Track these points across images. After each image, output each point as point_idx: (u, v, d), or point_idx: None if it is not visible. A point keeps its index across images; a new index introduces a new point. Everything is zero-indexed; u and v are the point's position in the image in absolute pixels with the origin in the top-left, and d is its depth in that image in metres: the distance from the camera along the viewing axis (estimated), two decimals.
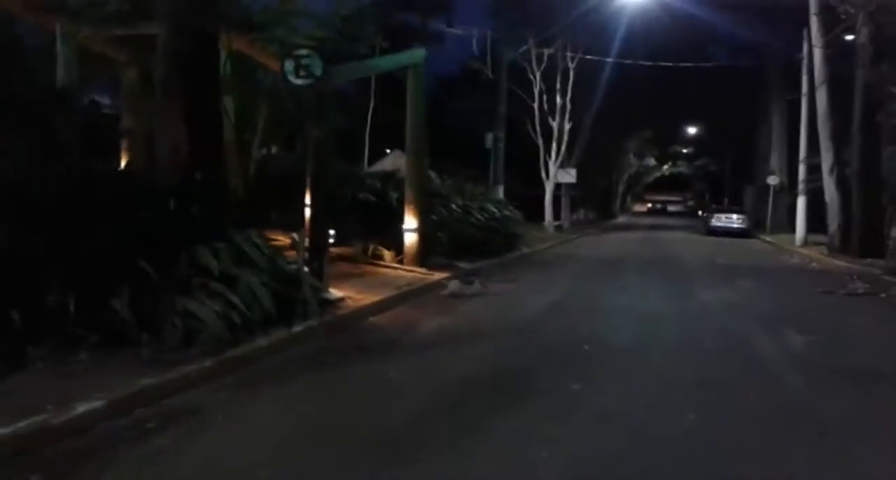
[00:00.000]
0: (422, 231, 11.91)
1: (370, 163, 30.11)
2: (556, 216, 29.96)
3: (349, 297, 8.73)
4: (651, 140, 48.64)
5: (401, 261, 11.96)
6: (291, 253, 8.15)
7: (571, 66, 28.18)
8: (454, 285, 10.79)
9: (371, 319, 8.22)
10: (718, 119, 41.55)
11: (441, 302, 9.70)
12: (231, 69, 11.95)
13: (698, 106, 39.84)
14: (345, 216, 12.83)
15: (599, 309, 9.39)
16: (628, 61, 28.78)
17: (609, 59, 28.50)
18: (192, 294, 5.84)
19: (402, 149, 26.52)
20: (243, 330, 6.06)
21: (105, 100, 16.33)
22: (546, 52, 27.02)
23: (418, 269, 11.68)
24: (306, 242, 8.22)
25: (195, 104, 7.89)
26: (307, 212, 12.45)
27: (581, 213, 41.03)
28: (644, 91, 34.37)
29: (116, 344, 5.55)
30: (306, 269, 8.19)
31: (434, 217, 13.47)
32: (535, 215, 28.47)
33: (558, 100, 28.36)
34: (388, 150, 29.56)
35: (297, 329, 6.79)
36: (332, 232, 10.15)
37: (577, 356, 6.62)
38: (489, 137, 23.51)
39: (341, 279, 10.05)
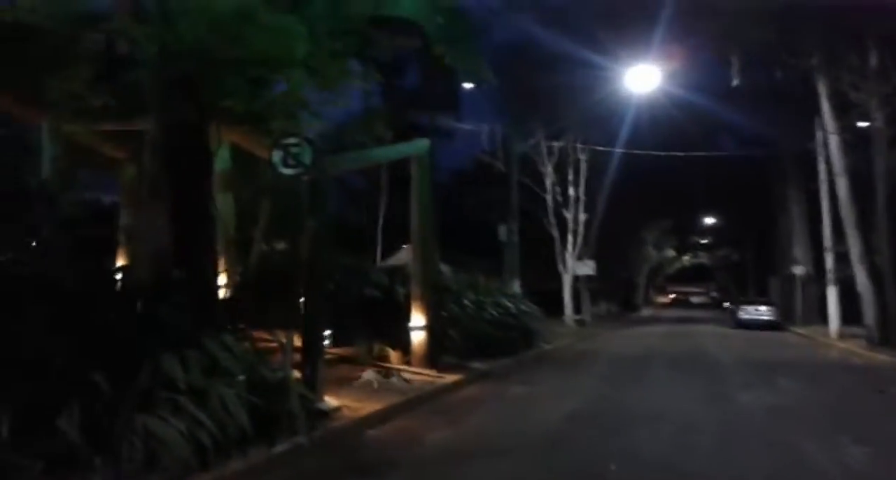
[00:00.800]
0: (430, 328, 11.09)
1: (383, 258, 29.63)
2: (577, 310, 29.00)
3: (347, 406, 7.84)
4: (669, 231, 48.08)
5: (408, 363, 11.07)
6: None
7: (583, 157, 28.03)
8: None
9: (370, 433, 7.30)
10: (736, 208, 41.00)
11: (450, 410, 8.77)
12: (231, 162, 11.58)
13: (714, 195, 39.37)
14: (349, 314, 12.09)
15: (627, 418, 8.39)
16: (639, 152, 28.52)
17: (619, 150, 28.24)
18: (156, 410, 5.04)
19: None
20: (216, 451, 5.21)
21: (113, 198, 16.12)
22: (556, 144, 26.92)
23: (427, 371, 10.78)
24: (296, 343, 7.43)
25: (182, 200, 7.39)
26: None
27: (603, 307, 39.98)
28: (658, 181, 34.00)
29: (65, 470, 4.74)
30: (297, 375, 7.41)
31: (444, 313, 12.67)
32: (554, 309, 27.56)
33: (571, 191, 28.04)
34: (404, 246, 29.44)
35: (280, 448, 5.91)
36: (328, 332, 9.37)
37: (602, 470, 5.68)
38: (502, 230, 22.96)
39: (341, 385, 9.20)
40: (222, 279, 12.66)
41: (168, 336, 5.47)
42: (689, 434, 7.36)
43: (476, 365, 12.22)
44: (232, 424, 5.42)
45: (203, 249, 7.26)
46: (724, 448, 6.82)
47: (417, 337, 11.08)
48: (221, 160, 12.14)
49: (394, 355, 11.21)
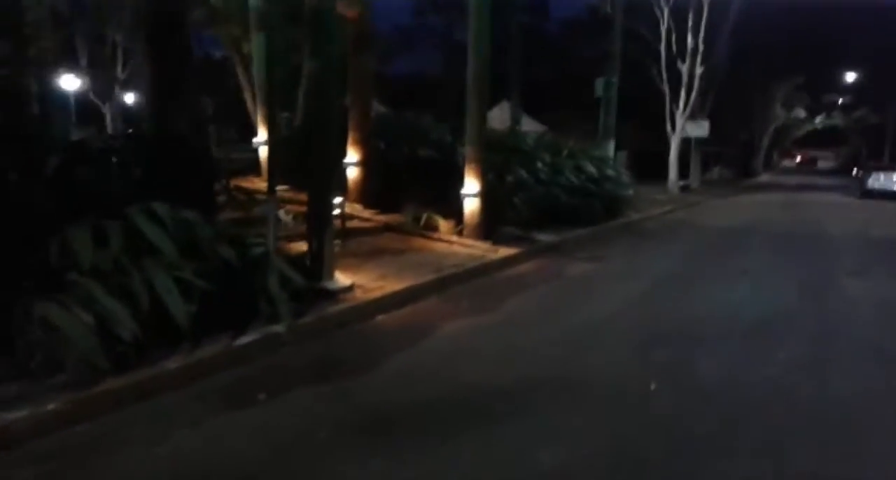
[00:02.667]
0: (485, 195, 9.73)
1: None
2: (685, 175, 26.63)
3: (362, 286, 6.80)
4: (802, 88, 43.07)
5: (460, 233, 9.86)
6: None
7: None
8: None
9: (379, 318, 6.25)
10: (884, 62, 35.79)
11: (490, 292, 7.59)
12: None
13: (860, 47, 34.41)
14: (399, 176, 10.90)
15: (698, 308, 6.95)
16: None
17: None
18: (61, 297, 4.07)
19: (517, 100, 24.42)
20: (142, 347, 4.26)
21: None
22: None
23: (479, 243, 9.56)
24: (282, 213, 6.33)
25: (158, 52, 6.15)
26: (350, 170, 10.65)
27: (715, 172, 36.99)
28: (795, 29, 29.73)
29: None
30: (308, 248, 6.38)
31: (509, 178, 11.25)
32: (659, 174, 25.40)
33: (689, 40, 24.79)
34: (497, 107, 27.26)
35: (245, 339, 4.94)
36: (339, 199, 8.22)
37: (638, 402, 4.38)
38: (599, 83, 20.58)
39: (370, 257, 8.17)
40: (260, 135, 11.69)
41: (83, 203, 4.41)
42: (772, 337, 5.87)
43: (542, 236, 10.87)
44: (171, 313, 4.43)
45: (179, 104, 6.06)
46: (815, 363, 5.32)
47: (470, 205, 9.77)
48: None
49: (444, 224, 10.01)
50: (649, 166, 26.61)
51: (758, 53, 29.93)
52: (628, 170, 23.72)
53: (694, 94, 25.36)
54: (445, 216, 10.07)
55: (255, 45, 11.06)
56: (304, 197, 8.29)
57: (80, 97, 23.71)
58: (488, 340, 5.69)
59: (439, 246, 9.47)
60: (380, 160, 10.94)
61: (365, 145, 10.65)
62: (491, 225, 10.01)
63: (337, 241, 7.78)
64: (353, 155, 10.65)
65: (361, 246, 8.87)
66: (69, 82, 22.43)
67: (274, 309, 5.33)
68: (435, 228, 10.01)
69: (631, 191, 15.90)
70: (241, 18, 11.88)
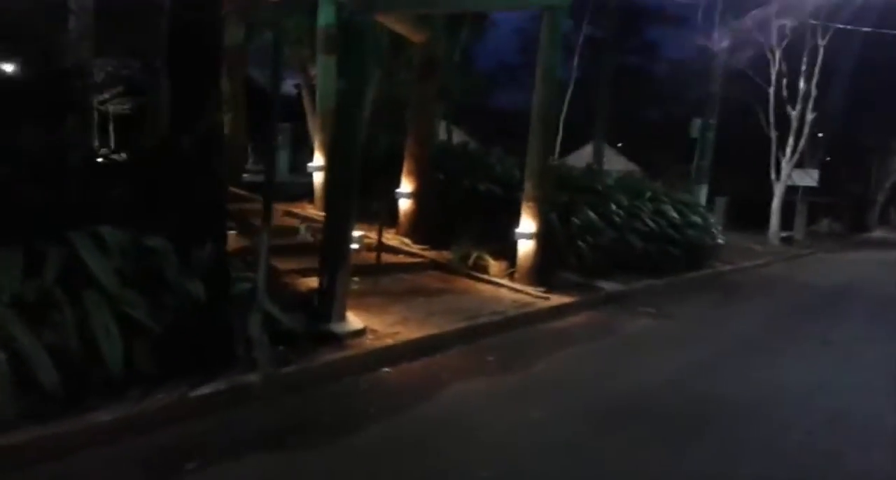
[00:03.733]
0: (540, 236, 8.88)
1: (563, 154, 27.12)
2: (788, 226, 24.71)
3: (377, 331, 6.09)
4: None
5: (512, 276, 9.03)
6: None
7: (822, 42, 22.80)
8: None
9: (383, 371, 5.50)
10: None
11: (525, 346, 6.72)
12: (335, 18, 9.77)
13: None
14: (456, 211, 10.20)
15: (762, 389, 5.83)
16: None
17: (869, 29, 22.51)
18: None
19: (612, 142, 23.37)
20: (70, 396, 3.69)
21: None
22: (787, 23, 21.97)
23: (530, 289, 8.69)
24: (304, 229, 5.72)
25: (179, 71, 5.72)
26: (403, 201, 10.00)
27: (824, 224, 34.40)
28: None
29: None
30: (318, 285, 5.76)
31: (576, 219, 10.34)
32: (759, 223, 23.63)
33: (801, 84, 23.09)
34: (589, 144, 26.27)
35: (205, 390, 4.30)
36: (356, 233, 7.54)
37: None
38: (695, 124, 19.34)
39: (400, 298, 7.48)
40: (316, 160, 11.25)
41: (18, 223, 3.90)
42: (836, 443, 4.73)
43: (606, 285, 9.87)
44: (110, 356, 3.84)
45: (186, 124, 5.56)
46: None
47: (525, 247, 8.93)
48: (325, 15, 10.40)
49: (494, 265, 9.19)
50: (749, 214, 24.91)
51: (877, 101, 27.65)
52: (725, 217, 22.20)
53: (803, 141, 23.55)
54: (498, 256, 9.25)
55: (319, 68, 10.68)
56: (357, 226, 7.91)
57: None
58: (498, 411, 4.83)
59: (485, 290, 8.66)
60: (437, 193, 10.28)
61: (421, 176, 10.02)
62: (548, 269, 9.13)
63: (355, 278, 7.14)
64: (406, 185, 10.04)
65: (397, 284, 8.19)
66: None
67: (251, 354, 4.70)
68: (484, 269, 9.21)
69: (720, 240, 14.60)
70: (310, 40, 11.59)
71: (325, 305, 5.89)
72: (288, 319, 5.15)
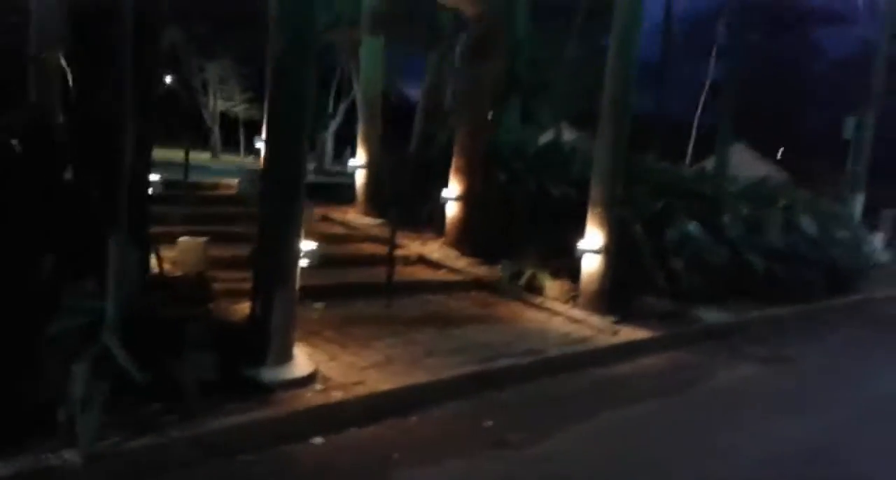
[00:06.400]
0: (609, 253, 6.89)
1: (696, 159, 24.35)
2: None
3: (333, 378, 4.44)
4: None
5: (573, 300, 7.08)
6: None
7: None
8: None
9: (313, 442, 3.83)
10: None
11: (554, 404, 4.83)
12: None
13: None
14: (519, 219, 8.37)
15: None
16: None
17: None
18: None
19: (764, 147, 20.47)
20: None
21: None
22: None
23: (594, 318, 6.71)
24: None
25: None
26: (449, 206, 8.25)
27: None
28: None
29: None
30: (250, 316, 4.25)
31: (671, 231, 8.21)
32: None
33: None
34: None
35: None
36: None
37: None
38: (849, 122, 16.23)
39: (404, 328, 5.80)
40: (358, 158, 9.75)
41: None
42: None
43: (707, 315, 7.70)
44: None
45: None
46: None
47: (590, 265, 6.96)
48: None
49: (552, 286, 7.26)
50: None
51: None
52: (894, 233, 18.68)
53: None
54: (559, 275, 7.34)
55: (363, 51, 9.24)
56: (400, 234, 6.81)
57: None
58: None
59: (534, 318, 6.78)
60: (495, 196, 8.48)
61: (472, 175, 8.26)
62: (623, 293, 7.11)
63: (318, 305, 5.55)
64: (454, 187, 8.30)
65: (414, 308, 6.48)
66: None
67: (70, 422, 3.20)
68: (540, 291, 7.31)
69: (875, 261, 11.78)
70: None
71: (257, 341, 4.30)
72: (181, 368, 3.59)
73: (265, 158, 4.53)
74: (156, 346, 3.67)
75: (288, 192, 4.42)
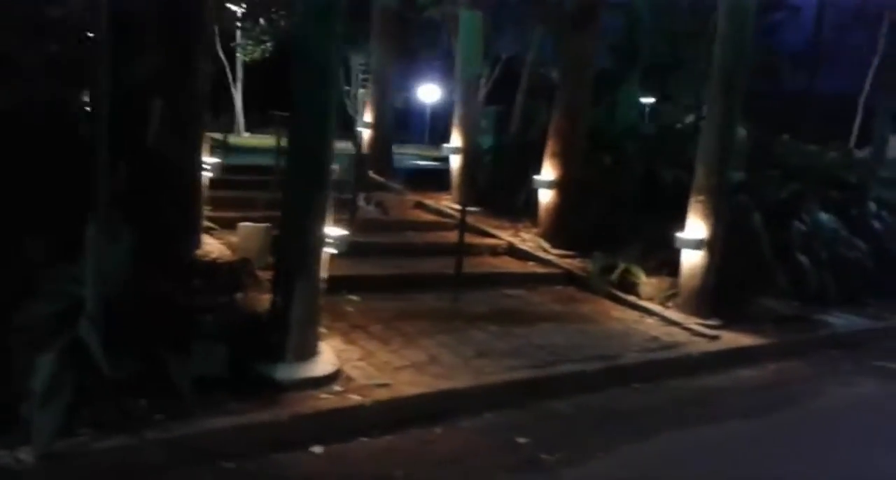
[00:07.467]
0: (713, 246, 6.01)
1: (860, 143, 21.78)
2: None
3: (357, 379, 4.07)
4: None
5: (672, 299, 6.27)
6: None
7: None
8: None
9: (312, 450, 3.46)
10: None
11: (618, 419, 4.18)
12: None
13: None
14: (623, 206, 7.61)
15: None
16: None
17: None
18: None
19: None
20: None
21: None
22: None
23: (693, 321, 5.89)
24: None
25: None
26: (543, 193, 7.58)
27: None
28: None
29: None
30: (270, 309, 4.00)
31: (798, 223, 7.14)
32: None
33: None
34: None
35: None
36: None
37: None
38: None
39: (459, 325, 5.31)
40: (453, 141, 9.22)
41: None
42: None
43: (836, 319, 6.64)
44: None
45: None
46: None
47: (690, 260, 6.11)
48: None
49: (647, 283, 6.46)
50: None
51: None
52: None
53: None
54: (656, 271, 6.54)
55: (462, 25, 8.73)
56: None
57: None
58: None
59: (621, 317, 6.05)
60: (596, 181, 7.75)
61: (569, 160, 7.53)
62: (731, 292, 6.22)
63: (353, 297, 5.13)
64: (549, 171, 7.62)
65: (486, 302, 5.95)
66: None
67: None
68: (633, 287, 6.54)
69: None
70: None
71: (275, 336, 4.00)
72: (176, 362, 3.34)
73: (289, 141, 4.20)
74: (150, 337, 3.46)
75: (311, 176, 4.07)
